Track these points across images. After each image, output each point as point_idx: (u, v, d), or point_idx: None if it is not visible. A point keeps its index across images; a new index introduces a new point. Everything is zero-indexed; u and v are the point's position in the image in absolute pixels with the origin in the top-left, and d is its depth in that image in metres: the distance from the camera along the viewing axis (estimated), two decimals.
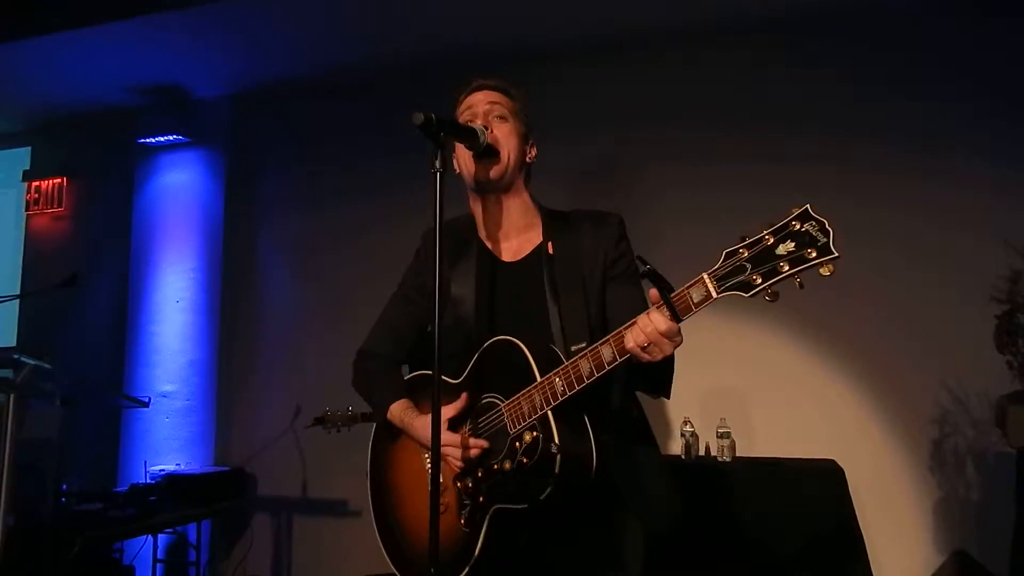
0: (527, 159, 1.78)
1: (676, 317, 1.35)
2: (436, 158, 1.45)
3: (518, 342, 1.55)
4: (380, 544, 1.79)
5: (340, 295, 4.53)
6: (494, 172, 1.68)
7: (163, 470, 4.29)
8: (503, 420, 1.55)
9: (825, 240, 1.22)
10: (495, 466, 1.55)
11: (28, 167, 5.43)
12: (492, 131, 1.67)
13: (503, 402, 1.56)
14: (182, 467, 4.48)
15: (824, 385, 3.69)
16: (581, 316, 1.63)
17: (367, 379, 1.86)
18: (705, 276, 1.32)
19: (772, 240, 1.26)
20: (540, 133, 1.86)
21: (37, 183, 5.34)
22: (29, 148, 5.48)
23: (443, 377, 1.69)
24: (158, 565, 4.43)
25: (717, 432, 3.56)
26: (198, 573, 4.43)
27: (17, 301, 5.18)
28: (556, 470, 1.43)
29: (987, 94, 3.60)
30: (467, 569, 1.54)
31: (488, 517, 1.53)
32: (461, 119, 1.72)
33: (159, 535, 4.34)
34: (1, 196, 5.53)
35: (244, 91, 4.79)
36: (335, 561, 4.32)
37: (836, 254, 1.22)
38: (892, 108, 3.71)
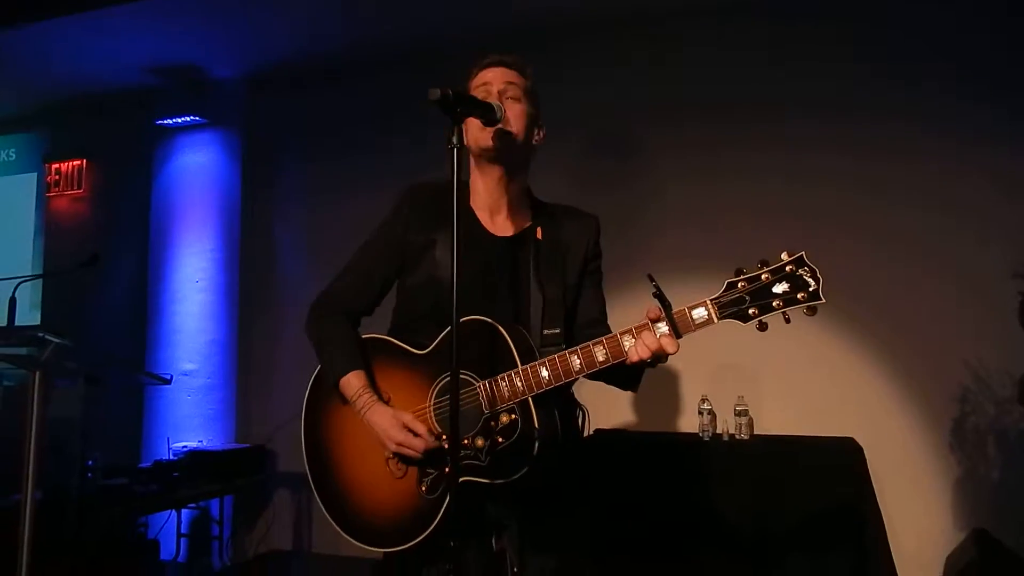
0: (534, 141, 1.78)
1: (676, 334, 1.49)
2: (453, 134, 1.45)
3: (498, 325, 1.59)
4: (319, 500, 1.77)
5: None
6: (503, 146, 1.68)
7: (186, 447, 4.35)
8: (477, 399, 1.59)
9: (815, 287, 1.45)
10: (466, 441, 1.58)
11: (48, 149, 5.49)
12: (506, 111, 1.67)
13: (477, 381, 1.59)
14: (204, 444, 4.54)
15: (843, 363, 3.67)
16: (560, 304, 1.71)
17: (323, 335, 1.80)
18: (708, 301, 1.49)
19: (769, 279, 1.46)
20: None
21: (57, 165, 5.39)
22: (48, 130, 5.53)
23: (406, 347, 1.71)
24: (182, 539, 4.52)
25: (735, 410, 3.55)
26: (221, 547, 4.51)
27: (40, 281, 5.26)
28: (534, 452, 1.52)
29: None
30: (423, 536, 1.59)
31: (453, 488, 1.53)
32: (476, 93, 1.71)
33: (183, 510, 4.42)
34: (23, 178, 5.60)
35: (261, 71, 4.78)
36: None
37: (823, 300, 1.44)
38: (899, 89, 3.65)
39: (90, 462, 3.87)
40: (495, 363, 1.58)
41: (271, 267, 4.86)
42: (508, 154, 1.71)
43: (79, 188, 5.33)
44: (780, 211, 3.74)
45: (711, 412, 3.62)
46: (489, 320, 1.60)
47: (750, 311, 1.46)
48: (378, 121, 4.61)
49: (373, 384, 1.71)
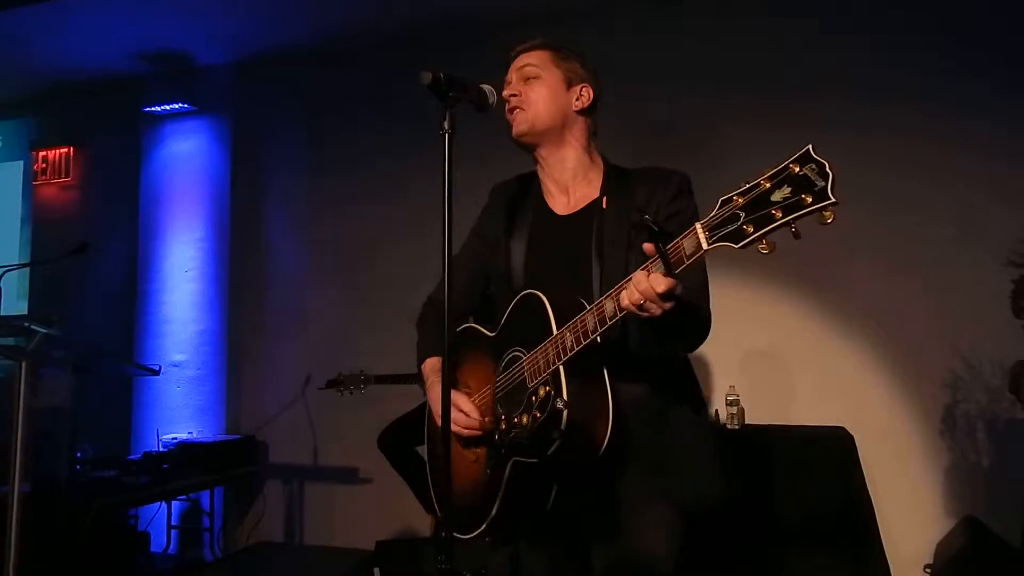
0: (574, 107, 1.71)
1: (670, 270, 1.27)
2: (445, 119, 1.43)
3: (541, 295, 1.54)
4: (429, 482, 1.82)
5: (348, 262, 4.52)
6: (518, 127, 1.69)
7: (176, 438, 4.33)
8: (523, 374, 1.55)
9: (823, 184, 1.09)
10: (515, 419, 1.55)
11: (35, 136, 5.42)
12: (520, 95, 1.68)
13: (524, 355, 1.56)
14: (194, 435, 4.52)
15: (835, 352, 3.67)
16: (620, 274, 1.53)
17: (421, 326, 1.89)
18: (698, 226, 1.23)
19: (769, 185, 1.14)
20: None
21: (44, 152, 5.34)
22: (35, 118, 5.47)
23: (480, 328, 1.74)
24: (172, 531, 4.50)
25: (726, 399, 3.56)
26: (212, 539, 4.49)
27: (28, 270, 5.21)
28: (562, 427, 1.42)
29: (1010, 60, 3.52)
30: (490, 518, 1.56)
31: (508, 469, 1.54)
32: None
33: (173, 502, 4.41)
34: (9, 166, 5.54)
35: (249, 58, 4.74)
36: (347, 527, 4.37)
37: (833, 199, 1.09)
38: (917, 71, 3.62)
39: (79, 454, 3.84)
40: (541, 336, 1.52)
41: (261, 256, 4.82)
42: (528, 134, 1.70)
43: (66, 176, 5.28)
44: None
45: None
46: (537, 293, 1.55)
47: (745, 228, 1.16)
48: (370, 107, 4.57)
49: (456, 369, 1.76)
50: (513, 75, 1.72)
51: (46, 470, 3.43)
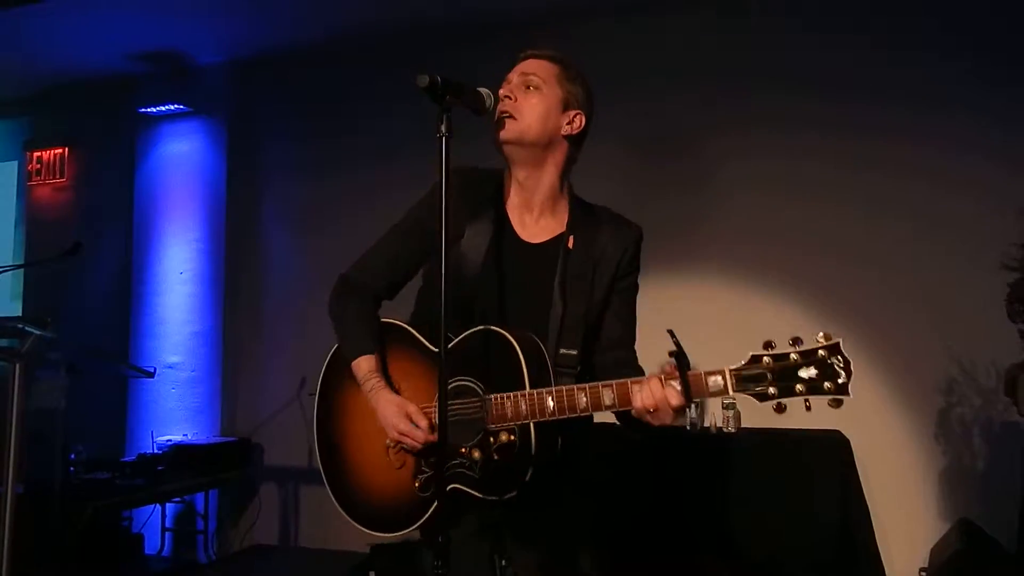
0: (563, 131, 1.65)
1: (688, 398, 1.41)
2: (442, 122, 1.41)
3: (514, 343, 1.51)
4: (323, 476, 1.78)
5: (345, 263, 4.49)
6: (505, 134, 1.63)
7: (170, 440, 4.32)
8: (480, 411, 1.54)
9: (845, 380, 1.33)
10: (463, 450, 1.54)
11: (29, 137, 5.40)
12: (515, 100, 1.63)
13: (484, 393, 1.54)
14: (189, 437, 4.51)
15: None
16: (580, 322, 1.62)
17: (344, 313, 1.77)
18: (728, 371, 1.40)
19: (797, 361, 1.36)
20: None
21: (38, 153, 5.31)
22: (30, 118, 5.45)
23: (424, 342, 1.64)
24: (167, 533, 4.48)
25: (722, 403, 3.55)
26: (206, 541, 4.47)
27: (22, 271, 5.19)
28: (527, 478, 1.48)
29: (1003, 63, 3.54)
30: (411, 529, 1.59)
31: (444, 492, 1.50)
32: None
33: (167, 504, 4.39)
34: (3, 167, 5.51)
35: (245, 58, 4.73)
36: (341, 529, 4.29)
37: (850, 396, 1.32)
38: (914, 75, 3.63)
39: (73, 455, 3.83)
40: (505, 379, 1.51)
41: (257, 258, 4.81)
42: (515, 144, 1.64)
43: (61, 177, 5.25)
44: (771, 191, 3.71)
45: (699, 405, 3.62)
46: (508, 335, 1.52)
47: (770, 391, 1.37)
48: (364, 105, 4.56)
49: (385, 371, 1.67)
50: (515, 76, 1.67)
51: (40, 472, 3.41)
